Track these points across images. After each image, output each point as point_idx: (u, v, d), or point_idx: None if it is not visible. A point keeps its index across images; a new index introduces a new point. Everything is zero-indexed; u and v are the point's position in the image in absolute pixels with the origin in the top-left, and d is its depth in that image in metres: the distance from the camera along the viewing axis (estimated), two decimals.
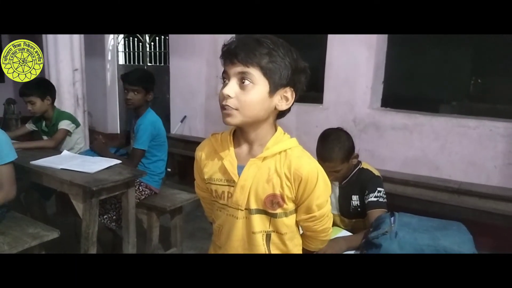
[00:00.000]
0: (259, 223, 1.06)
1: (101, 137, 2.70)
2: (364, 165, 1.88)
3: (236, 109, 0.96)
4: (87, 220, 2.01)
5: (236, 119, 0.97)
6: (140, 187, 2.48)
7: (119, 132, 5.66)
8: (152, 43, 5.17)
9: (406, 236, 1.36)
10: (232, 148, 1.06)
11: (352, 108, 3.45)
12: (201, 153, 1.13)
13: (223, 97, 0.97)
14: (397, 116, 3.26)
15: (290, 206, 1.05)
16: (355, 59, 3.38)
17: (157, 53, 5.17)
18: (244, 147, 1.07)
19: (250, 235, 1.07)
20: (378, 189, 1.76)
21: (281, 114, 1.05)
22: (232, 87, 0.96)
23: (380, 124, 3.32)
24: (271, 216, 1.06)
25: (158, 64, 5.20)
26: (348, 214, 1.88)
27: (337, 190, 1.88)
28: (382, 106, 3.48)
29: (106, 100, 5.67)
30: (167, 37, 4.86)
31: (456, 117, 3.06)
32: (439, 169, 3.07)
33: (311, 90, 3.79)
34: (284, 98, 1.01)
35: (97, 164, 2.21)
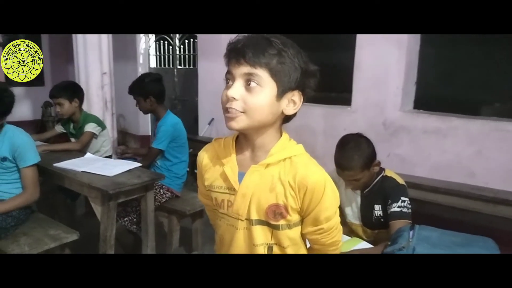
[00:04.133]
0: (261, 235, 1.00)
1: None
2: (388, 172, 1.77)
3: (242, 112, 0.90)
4: (105, 223, 2.02)
5: (241, 123, 0.91)
6: (161, 190, 2.48)
7: (150, 134, 5.75)
8: (182, 46, 5.22)
9: (424, 252, 1.25)
10: (234, 154, 1.00)
11: (381, 111, 3.30)
12: (202, 159, 1.07)
13: (226, 99, 0.91)
14: (430, 119, 3.08)
15: (294, 217, 0.98)
16: (385, 59, 3.23)
17: (187, 56, 5.21)
18: (247, 153, 1.00)
19: (251, 247, 1.01)
20: (402, 198, 1.65)
21: (287, 118, 0.99)
22: (237, 89, 0.90)
23: (412, 128, 3.15)
24: (273, 228, 0.99)
25: (187, 66, 5.24)
26: (371, 224, 1.78)
27: (358, 199, 1.79)
28: (415, 108, 3.31)
29: None
30: (196, 40, 4.88)
31: (494, 120, 2.85)
32: (475, 176, 2.87)
33: (339, 91, 3.68)
34: (292, 102, 0.94)
35: (117, 167, 2.23)
